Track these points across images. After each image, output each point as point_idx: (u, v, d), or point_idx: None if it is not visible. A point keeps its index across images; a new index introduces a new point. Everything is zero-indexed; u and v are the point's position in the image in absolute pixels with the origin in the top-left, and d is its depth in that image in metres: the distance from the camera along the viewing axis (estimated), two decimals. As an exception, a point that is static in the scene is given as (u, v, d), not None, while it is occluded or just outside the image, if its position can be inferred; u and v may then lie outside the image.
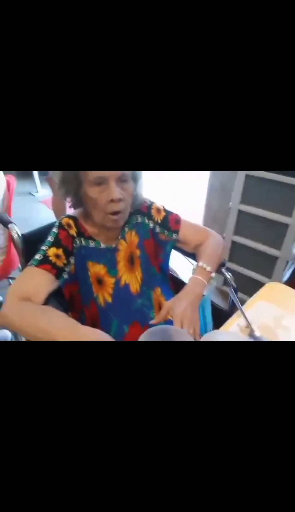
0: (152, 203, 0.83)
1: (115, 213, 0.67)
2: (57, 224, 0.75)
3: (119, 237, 0.79)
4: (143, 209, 0.81)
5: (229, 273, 0.80)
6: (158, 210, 0.83)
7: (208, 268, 0.71)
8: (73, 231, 0.74)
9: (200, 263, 0.72)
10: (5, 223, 0.79)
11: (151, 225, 0.82)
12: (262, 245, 1.51)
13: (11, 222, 0.78)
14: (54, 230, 0.73)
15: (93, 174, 0.64)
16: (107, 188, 0.64)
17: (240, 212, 1.51)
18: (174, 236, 0.82)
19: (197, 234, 0.82)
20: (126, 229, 0.79)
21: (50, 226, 0.76)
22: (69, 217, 0.76)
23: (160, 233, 0.82)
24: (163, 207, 0.83)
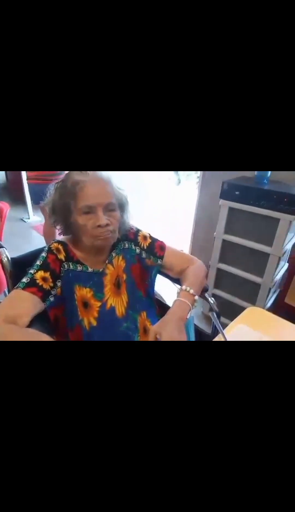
0: (138, 230, 0.89)
1: (102, 236, 0.74)
2: (46, 248, 0.78)
3: (107, 262, 0.82)
4: (130, 236, 0.87)
5: (212, 298, 0.83)
6: (144, 237, 0.88)
7: (191, 291, 0.75)
8: (61, 256, 0.78)
9: (184, 287, 0.76)
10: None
11: (137, 250, 0.87)
12: (246, 273, 1.57)
13: (1, 247, 0.81)
14: (43, 254, 0.76)
15: (82, 204, 0.71)
16: (95, 216, 0.72)
17: (224, 241, 1.59)
18: (159, 261, 0.87)
19: (181, 260, 0.87)
20: (113, 254, 0.83)
21: (40, 250, 0.78)
22: (59, 242, 0.79)
23: (145, 258, 0.87)
24: (149, 234, 0.89)
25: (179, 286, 0.79)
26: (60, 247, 0.78)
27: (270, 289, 1.50)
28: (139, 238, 0.88)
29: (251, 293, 1.57)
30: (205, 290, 0.82)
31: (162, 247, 0.88)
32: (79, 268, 0.79)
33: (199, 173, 2.94)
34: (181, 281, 0.82)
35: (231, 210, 1.50)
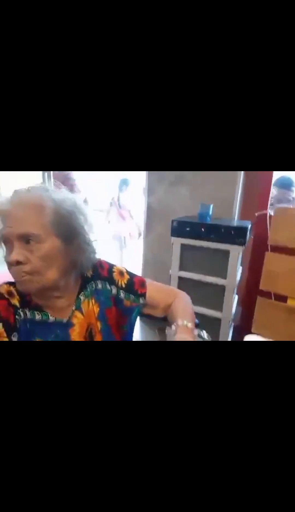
0: (112, 265, 0.76)
1: (15, 277, 0.57)
2: None
3: (74, 308, 0.66)
4: (103, 273, 0.73)
5: (205, 333, 0.75)
6: (121, 273, 0.75)
7: (189, 325, 0.65)
8: (15, 300, 0.61)
9: (180, 322, 0.65)
10: None
11: (114, 290, 0.73)
12: (205, 309, 1.55)
13: None
14: None
15: (1, 233, 0.56)
16: (11, 249, 0.55)
17: (180, 278, 1.58)
18: (141, 300, 0.75)
19: (165, 295, 0.77)
20: (81, 298, 0.68)
21: None
22: (11, 283, 0.61)
23: (124, 299, 0.73)
24: (125, 269, 0.77)
25: (168, 326, 0.68)
26: (12, 289, 0.61)
27: (230, 322, 1.51)
28: (115, 275, 0.74)
29: (213, 329, 1.54)
30: (196, 325, 0.73)
31: (142, 282, 0.76)
32: (37, 316, 0.62)
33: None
34: (170, 317, 0.72)
35: (183, 246, 1.53)
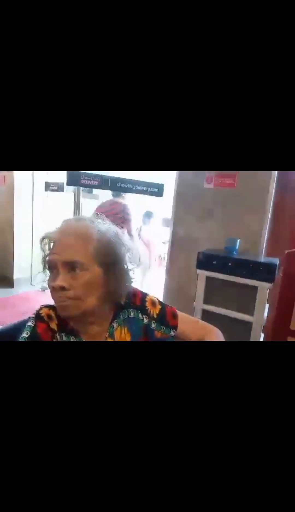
0: (145, 294, 0.77)
1: (58, 302, 0.59)
2: (33, 315, 0.62)
3: (107, 335, 0.67)
4: (136, 302, 0.74)
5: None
6: (153, 303, 0.76)
7: None
8: (54, 324, 0.62)
9: None
10: None
11: (145, 320, 0.73)
12: (230, 345, 1.49)
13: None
14: (30, 323, 0.60)
15: (47, 258, 0.60)
16: (56, 275, 0.58)
17: (204, 311, 1.55)
18: (172, 332, 0.74)
19: (197, 328, 0.76)
20: (114, 325, 0.69)
21: (24, 322, 0.61)
22: (49, 306, 0.64)
23: (155, 330, 0.73)
24: (157, 299, 0.78)
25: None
26: (51, 312, 0.63)
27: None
28: (147, 305, 0.75)
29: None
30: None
31: (174, 314, 0.76)
32: (72, 340, 0.63)
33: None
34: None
35: (208, 279, 1.52)
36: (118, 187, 2.55)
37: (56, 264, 0.58)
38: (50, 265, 0.59)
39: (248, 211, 1.68)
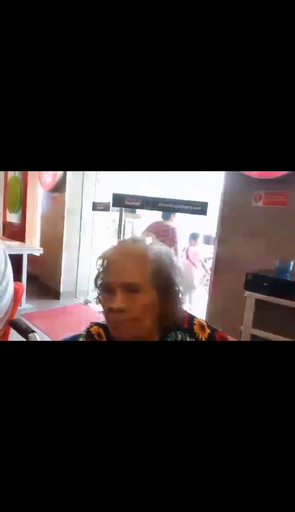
0: (193, 317, 0.74)
1: (114, 323, 0.59)
2: (84, 333, 0.63)
3: None
4: (184, 324, 0.72)
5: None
6: (202, 326, 0.73)
7: None
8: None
9: None
10: (25, 332, 0.64)
11: None
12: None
13: (32, 331, 0.64)
14: (81, 339, 0.62)
15: (103, 280, 0.60)
16: (112, 297, 0.58)
17: (253, 336, 1.45)
18: None
19: None
20: None
21: (75, 337, 0.63)
22: (100, 325, 0.65)
23: None
24: (206, 323, 0.75)
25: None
26: (101, 331, 0.64)
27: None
28: (196, 328, 0.72)
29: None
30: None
31: (224, 339, 0.72)
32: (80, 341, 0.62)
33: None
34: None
35: (258, 302, 1.43)
36: (160, 207, 2.61)
37: (115, 286, 0.58)
38: (109, 287, 0.60)
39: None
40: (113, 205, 2.82)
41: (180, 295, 0.64)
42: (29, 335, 0.65)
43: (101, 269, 0.62)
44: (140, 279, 0.58)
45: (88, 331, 0.64)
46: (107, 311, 0.59)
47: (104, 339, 0.64)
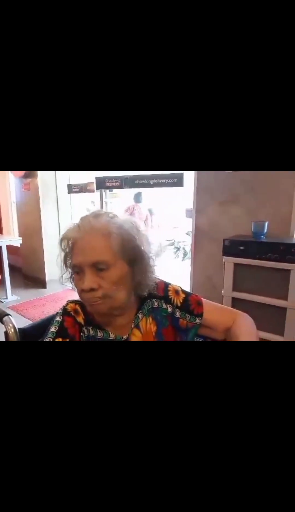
0: (167, 284, 0.75)
1: (89, 302, 0.60)
2: (60, 311, 0.64)
3: (132, 326, 0.67)
4: (159, 292, 0.73)
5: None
6: (176, 291, 0.75)
7: None
8: (80, 318, 0.64)
9: None
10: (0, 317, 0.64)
11: (170, 309, 0.72)
12: (265, 333, 1.43)
13: (7, 314, 0.64)
14: (57, 318, 0.62)
15: (72, 262, 0.60)
16: (83, 277, 0.58)
17: (234, 299, 1.50)
18: (198, 320, 0.72)
19: (224, 315, 0.73)
20: (140, 316, 0.68)
21: (53, 317, 0.63)
22: (76, 302, 0.65)
23: (180, 318, 0.72)
24: (180, 288, 0.76)
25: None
26: (78, 307, 0.64)
27: None
28: (170, 294, 0.74)
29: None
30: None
31: (199, 302, 0.74)
32: (99, 334, 0.64)
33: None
34: (232, 340, 0.67)
35: (236, 266, 1.47)
36: (137, 184, 2.61)
37: (82, 266, 0.58)
38: (77, 268, 0.59)
39: (275, 193, 1.59)
40: (97, 188, 2.84)
41: (151, 263, 0.65)
42: (3, 318, 0.65)
43: (67, 250, 0.61)
44: (106, 256, 0.57)
45: (64, 309, 0.65)
46: (80, 291, 0.59)
47: (81, 315, 0.64)
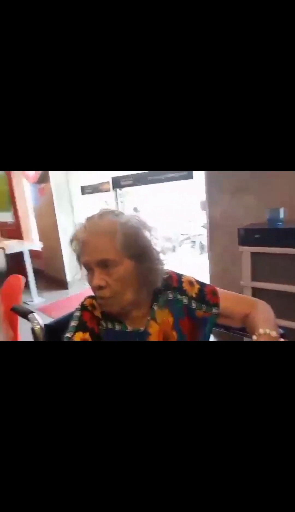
0: (180, 275, 0.77)
1: (100, 299, 0.63)
2: (79, 306, 0.68)
3: (149, 318, 0.68)
4: (173, 283, 0.74)
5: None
6: (190, 282, 0.76)
7: (273, 334, 0.60)
8: (97, 312, 0.67)
9: (261, 330, 0.61)
10: (25, 314, 0.69)
11: (185, 301, 0.73)
12: (286, 321, 1.40)
13: (31, 312, 0.68)
14: (77, 313, 0.66)
15: (81, 260, 0.63)
16: (93, 274, 0.61)
17: (254, 289, 1.48)
18: (214, 310, 0.73)
19: (241, 304, 0.74)
20: (155, 308, 0.70)
21: (73, 313, 0.67)
22: (92, 297, 0.68)
23: (196, 309, 0.73)
24: (194, 278, 0.77)
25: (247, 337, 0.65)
26: (94, 302, 0.68)
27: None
28: (185, 285, 0.75)
29: None
30: (282, 335, 0.67)
31: (214, 292, 0.75)
32: (117, 327, 0.66)
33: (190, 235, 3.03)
34: (251, 327, 0.68)
35: (253, 255, 1.44)
36: (150, 180, 2.64)
37: (90, 264, 0.61)
38: (85, 266, 0.63)
39: (286, 179, 1.54)
40: (113, 188, 2.96)
41: (159, 256, 0.66)
42: (29, 316, 0.69)
43: (78, 250, 0.64)
44: (111, 254, 0.60)
45: (82, 304, 0.68)
46: (92, 289, 0.62)
47: (98, 309, 0.67)
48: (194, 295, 0.73)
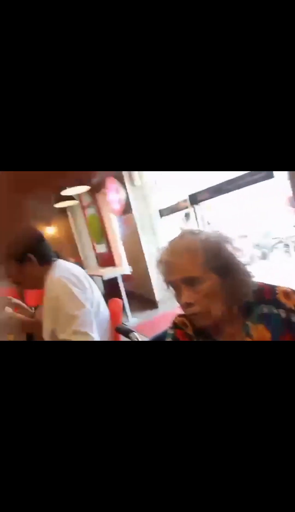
0: (274, 286, 0.71)
1: (190, 317, 0.63)
2: (171, 325, 0.71)
3: (244, 334, 0.65)
4: (266, 296, 0.69)
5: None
6: (286, 294, 0.69)
7: None
8: (189, 330, 0.68)
9: None
10: (127, 333, 0.77)
11: (283, 314, 0.67)
12: None
13: (132, 331, 0.77)
14: (170, 331, 0.69)
15: (167, 280, 0.65)
16: (180, 293, 0.62)
17: None
18: None
19: None
20: (249, 324, 0.66)
21: (166, 331, 0.71)
22: (182, 315, 0.70)
23: None
24: (291, 289, 0.70)
25: None
26: (185, 320, 0.69)
27: None
28: (280, 297, 0.68)
29: None
30: None
31: None
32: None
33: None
34: None
35: None
36: (227, 189, 2.56)
37: (177, 283, 0.64)
38: (173, 286, 0.66)
39: None
40: (191, 204, 3.04)
41: (245, 268, 0.64)
42: (129, 335, 0.77)
43: (164, 271, 0.68)
44: (195, 271, 0.61)
45: (174, 323, 0.71)
46: (181, 307, 0.65)
47: (189, 327, 0.69)
48: (293, 307, 0.67)
